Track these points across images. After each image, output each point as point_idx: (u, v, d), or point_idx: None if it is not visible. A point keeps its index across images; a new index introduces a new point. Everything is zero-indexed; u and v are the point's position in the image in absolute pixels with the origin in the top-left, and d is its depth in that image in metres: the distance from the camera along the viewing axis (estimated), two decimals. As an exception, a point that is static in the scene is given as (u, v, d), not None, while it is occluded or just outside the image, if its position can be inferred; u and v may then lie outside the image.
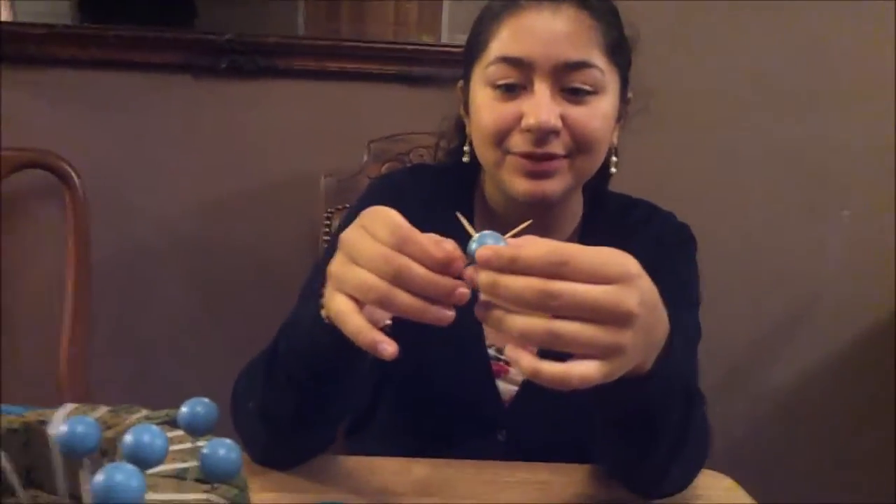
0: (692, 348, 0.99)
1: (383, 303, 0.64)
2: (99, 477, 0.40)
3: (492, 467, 0.92)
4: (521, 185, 0.94)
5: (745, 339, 1.77)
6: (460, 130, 1.07)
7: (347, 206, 1.30)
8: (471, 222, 0.82)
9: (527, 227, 0.68)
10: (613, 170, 1.02)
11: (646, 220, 1.08)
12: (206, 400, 0.52)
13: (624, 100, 1.00)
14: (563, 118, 0.92)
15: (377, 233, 0.65)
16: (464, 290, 0.62)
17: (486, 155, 0.97)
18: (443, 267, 0.63)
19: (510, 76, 0.92)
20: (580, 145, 0.93)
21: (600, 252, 0.62)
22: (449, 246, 0.64)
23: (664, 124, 1.63)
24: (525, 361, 0.61)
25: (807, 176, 1.70)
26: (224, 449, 0.48)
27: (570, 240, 1.01)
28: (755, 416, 1.80)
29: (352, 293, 0.66)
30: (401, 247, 0.63)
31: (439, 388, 1.01)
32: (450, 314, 0.63)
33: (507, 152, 0.94)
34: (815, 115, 1.67)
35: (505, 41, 0.93)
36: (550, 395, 0.92)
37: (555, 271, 0.60)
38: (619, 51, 0.96)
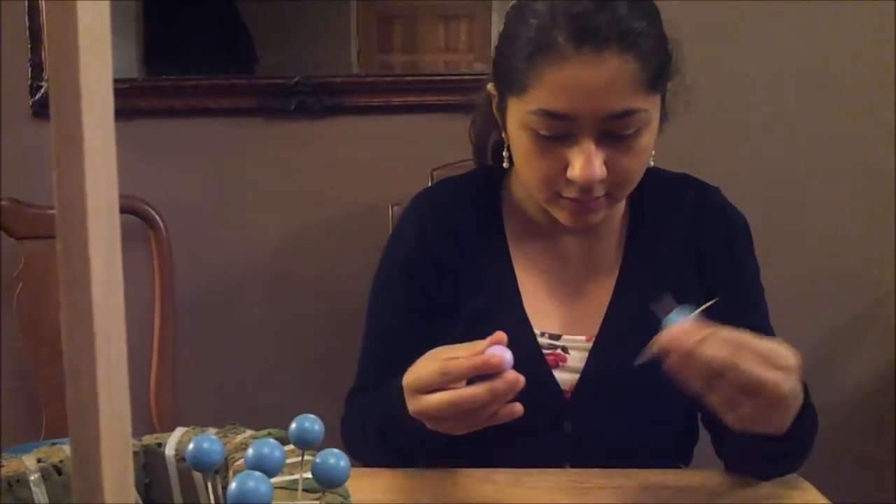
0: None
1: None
2: (232, 485, 0.46)
3: (568, 474, 0.96)
4: (565, 219, 0.98)
5: (813, 342, 1.76)
6: (492, 126, 1.09)
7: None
8: (500, 221, 1.06)
9: (710, 304, 0.81)
10: (651, 163, 1.01)
11: (698, 199, 1.08)
12: (313, 416, 0.57)
13: (664, 112, 0.99)
14: (606, 164, 0.92)
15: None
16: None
17: (535, 193, 0.99)
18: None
19: (553, 128, 0.91)
20: (623, 184, 0.95)
21: (770, 344, 0.77)
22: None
23: (713, 122, 1.65)
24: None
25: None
26: (334, 458, 0.52)
27: (617, 223, 1.08)
28: (829, 421, 1.79)
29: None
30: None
31: None
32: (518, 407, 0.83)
33: (557, 195, 0.96)
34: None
35: (547, 95, 0.90)
36: (613, 382, 1.00)
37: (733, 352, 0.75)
38: (663, 73, 0.93)
